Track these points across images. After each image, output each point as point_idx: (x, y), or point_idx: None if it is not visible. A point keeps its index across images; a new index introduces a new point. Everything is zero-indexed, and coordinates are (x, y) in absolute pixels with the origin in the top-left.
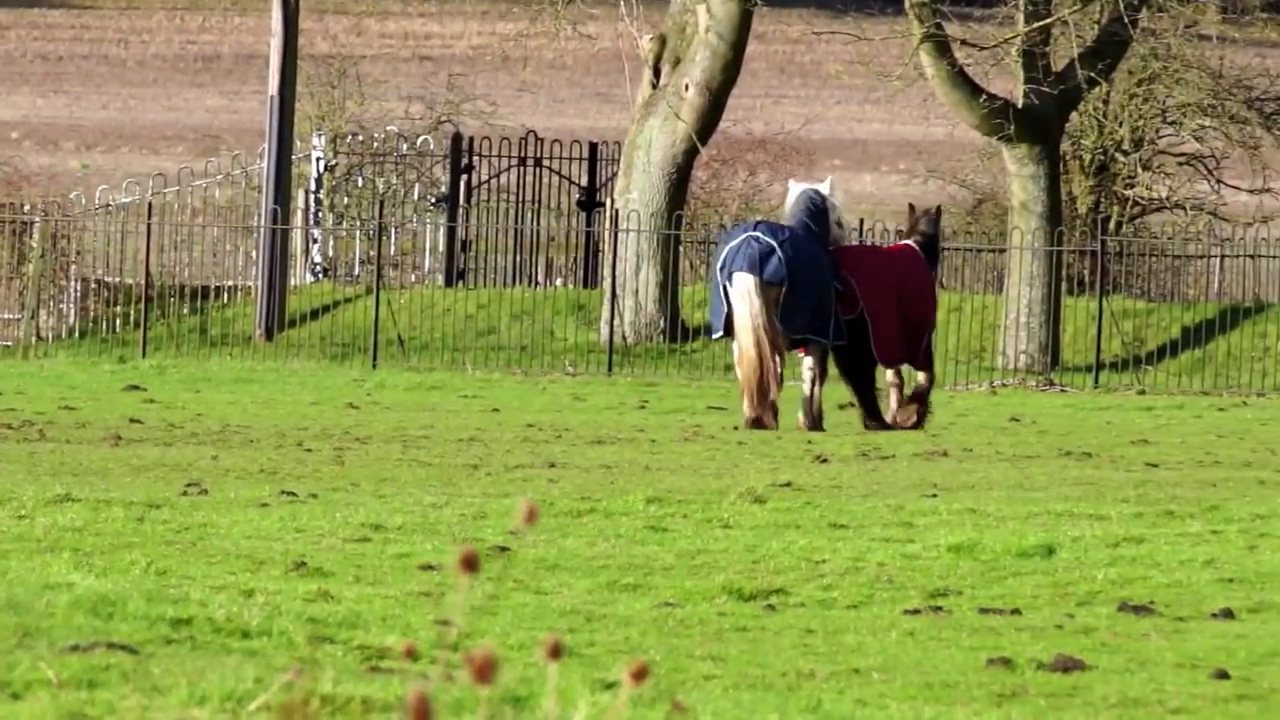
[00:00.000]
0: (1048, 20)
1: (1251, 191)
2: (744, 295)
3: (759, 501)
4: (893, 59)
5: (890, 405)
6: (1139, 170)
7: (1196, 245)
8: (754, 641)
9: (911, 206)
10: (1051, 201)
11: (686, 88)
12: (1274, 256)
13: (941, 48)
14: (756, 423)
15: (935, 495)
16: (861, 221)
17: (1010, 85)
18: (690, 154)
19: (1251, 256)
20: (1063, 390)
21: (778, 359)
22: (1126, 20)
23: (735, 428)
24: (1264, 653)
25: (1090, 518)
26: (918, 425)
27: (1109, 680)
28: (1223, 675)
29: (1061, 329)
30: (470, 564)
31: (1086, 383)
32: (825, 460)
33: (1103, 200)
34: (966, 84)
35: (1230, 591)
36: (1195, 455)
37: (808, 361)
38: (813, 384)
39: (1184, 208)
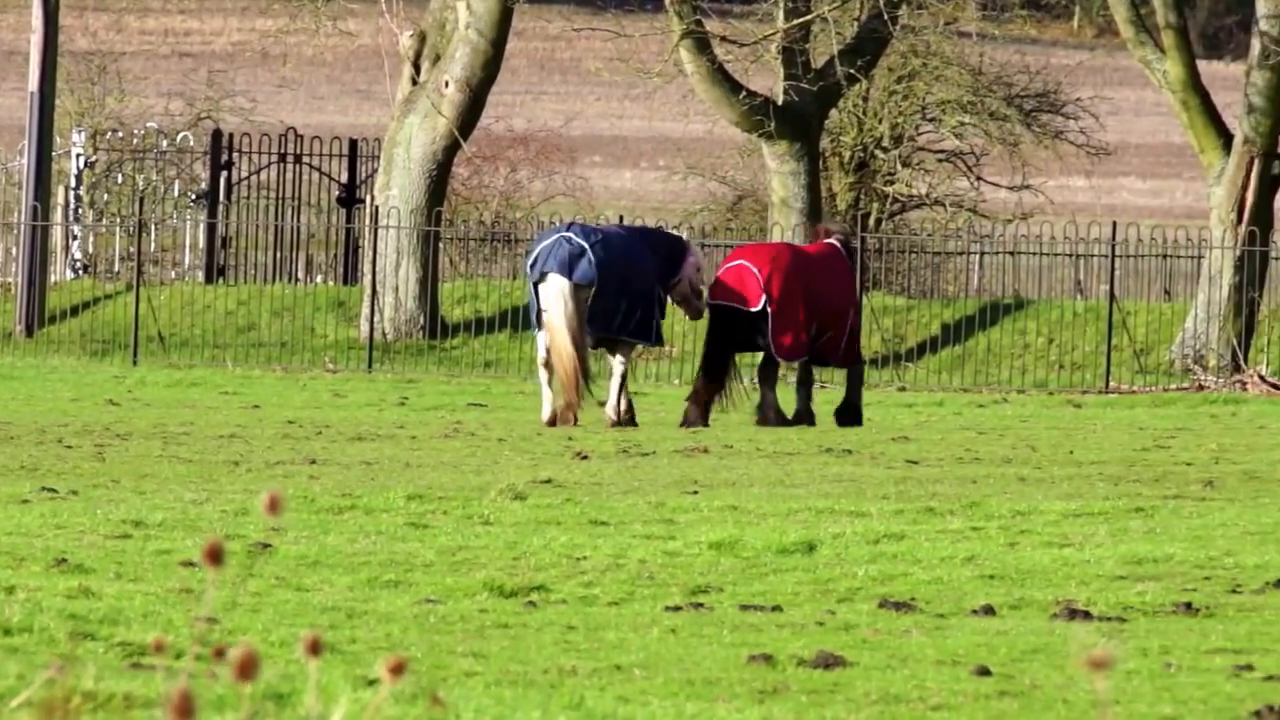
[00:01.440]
0: (807, 17)
1: (1011, 188)
2: (557, 297)
3: (520, 498)
4: (652, 55)
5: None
6: (899, 167)
7: (956, 242)
8: (515, 638)
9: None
10: (811, 198)
11: (447, 84)
12: (1033, 253)
13: (701, 44)
14: (555, 422)
15: (696, 492)
16: (621, 218)
17: (770, 82)
18: (450, 151)
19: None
20: (823, 386)
21: (584, 360)
22: (886, 17)
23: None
24: (1025, 649)
25: (851, 514)
26: (851, 420)
27: (870, 677)
28: (984, 672)
29: None
30: (215, 556)
31: (839, 378)
32: (586, 457)
33: (862, 197)
34: (726, 81)
35: (991, 588)
36: (955, 452)
37: (618, 360)
38: (622, 382)
39: (944, 204)
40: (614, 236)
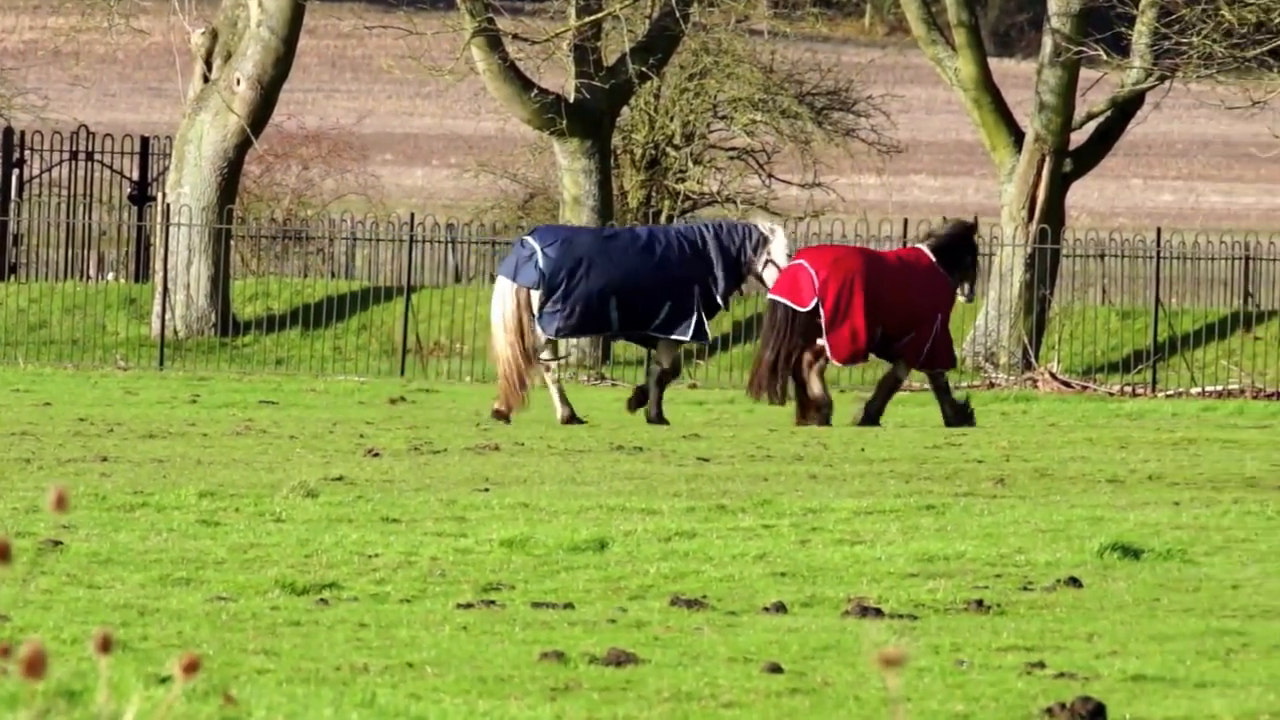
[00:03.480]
0: (599, 15)
1: (802, 186)
2: (497, 298)
3: (311, 495)
4: (444, 53)
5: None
6: (690, 164)
7: None
8: (307, 635)
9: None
10: (603, 195)
11: (238, 82)
12: None
13: (493, 42)
14: (500, 415)
15: (487, 489)
16: (413, 216)
17: (562, 79)
18: (242, 148)
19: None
20: (614, 384)
21: (525, 360)
22: (678, 15)
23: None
24: (816, 646)
25: (642, 512)
26: (962, 421)
27: (662, 674)
28: (775, 669)
29: None
30: (2, 553)
31: (638, 377)
32: (377, 454)
33: (654, 194)
34: (518, 78)
35: (782, 585)
36: (747, 449)
37: (656, 361)
38: (656, 381)
39: (735, 202)
40: (584, 238)
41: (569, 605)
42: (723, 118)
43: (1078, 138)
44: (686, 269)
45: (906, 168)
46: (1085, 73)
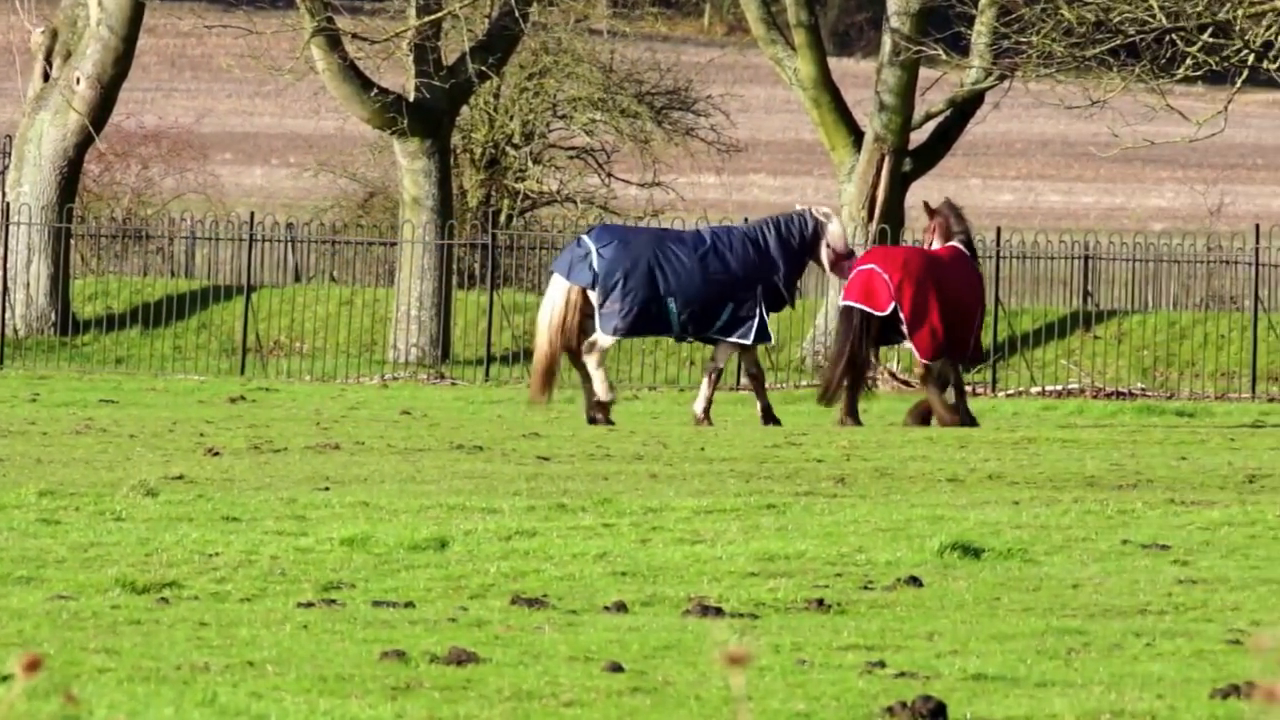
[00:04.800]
0: (439, 14)
1: (642, 185)
2: (549, 296)
3: (151, 494)
4: (284, 53)
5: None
6: (530, 164)
7: None
8: (148, 634)
9: (927, 205)
10: (442, 195)
11: (78, 81)
12: None
13: (332, 41)
14: (595, 419)
15: (328, 488)
16: (252, 215)
17: (402, 79)
18: (82, 147)
19: None
20: (453, 383)
21: (558, 357)
22: (517, 14)
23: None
24: (657, 645)
25: (482, 511)
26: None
27: (503, 673)
28: (616, 668)
29: (452, 322)
30: None
31: (477, 376)
32: (217, 453)
33: (494, 194)
34: (357, 78)
35: (623, 584)
36: (586, 449)
37: (713, 359)
38: (707, 382)
39: (575, 201)
40: (642, 238)
41: (410, 604)
42: (562, 117)
43: (917, 137)
44: (749, 271)
45: (746, 167)
46: (925, 72)
